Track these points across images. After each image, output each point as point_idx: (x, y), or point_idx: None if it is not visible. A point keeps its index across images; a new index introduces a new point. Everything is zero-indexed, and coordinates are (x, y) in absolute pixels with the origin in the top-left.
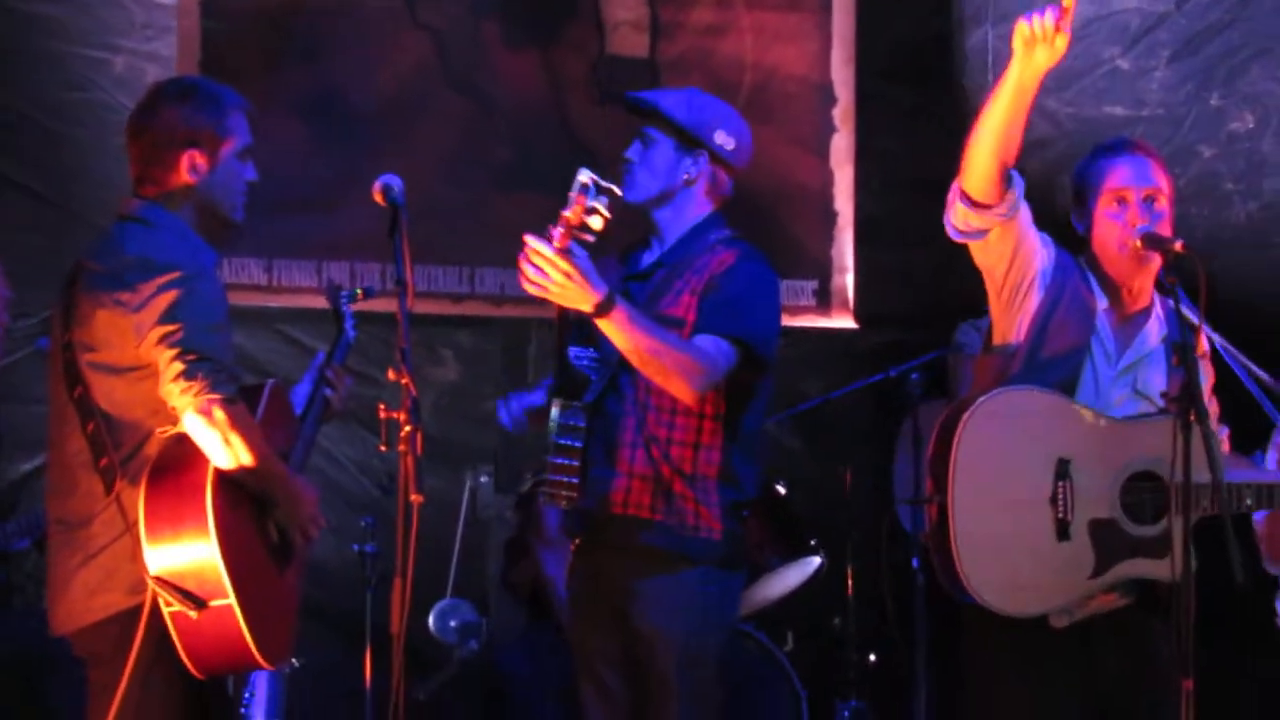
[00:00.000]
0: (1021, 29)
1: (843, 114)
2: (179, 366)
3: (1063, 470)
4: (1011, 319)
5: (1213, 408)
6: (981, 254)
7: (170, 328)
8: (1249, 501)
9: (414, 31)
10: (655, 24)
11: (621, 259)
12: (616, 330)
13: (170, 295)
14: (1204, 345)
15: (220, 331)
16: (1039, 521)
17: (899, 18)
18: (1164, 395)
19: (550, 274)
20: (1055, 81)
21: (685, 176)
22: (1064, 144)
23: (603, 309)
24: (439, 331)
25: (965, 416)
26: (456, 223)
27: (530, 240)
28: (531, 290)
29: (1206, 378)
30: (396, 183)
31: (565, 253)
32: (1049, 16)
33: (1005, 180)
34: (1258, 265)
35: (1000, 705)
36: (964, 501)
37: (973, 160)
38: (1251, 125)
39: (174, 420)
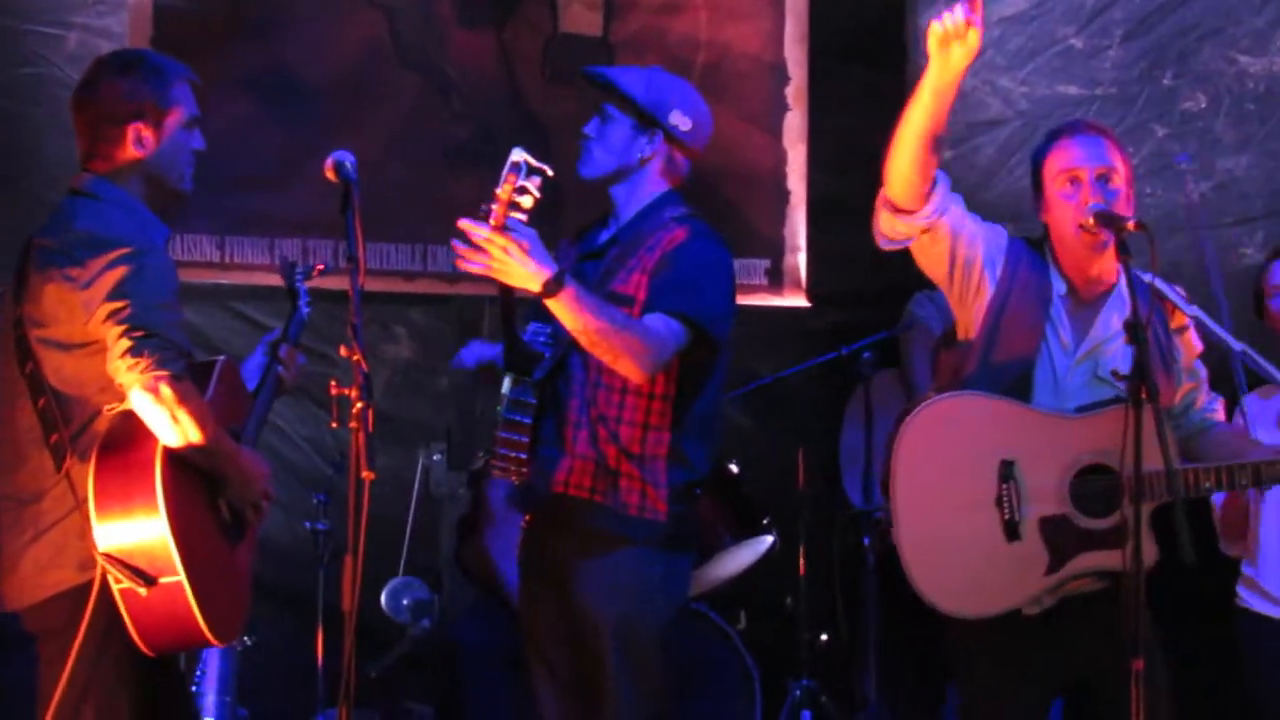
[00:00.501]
0: (935, 29)
1: (796, 93)
2: (126, 343)
3: (1006, 472)
4: (968, 313)
5: (1201, 376)
6: (920, 257)
7: (118, 304)
8: (1207, 485)
9: (367, 8)
10: (609, 2)
11: (576, 239)
12: (564, 310)
13: (119, 271)
14: (1183, 318)
15: (169, 308)
16: (987, 524)
17: None
18: (1114, 373)
19: (491, 251)
20: (1009, 61)
21: (640, 155)
22: (1018, 123)
23: (551, 289)
24: (392, 309)
25: (904, 425)
26: (410, 200)
27: (463, 223)
28: (471, 269)
29: (1189, 349)
30: (349, 159)
31: (503, 229)
32: (959, 12)
33: (929, 183)
34: (1210, 245)
35: (977, 692)
36: (909, 508)
37: (895, 167)
38: (1204, 105)
39: (123, 397)
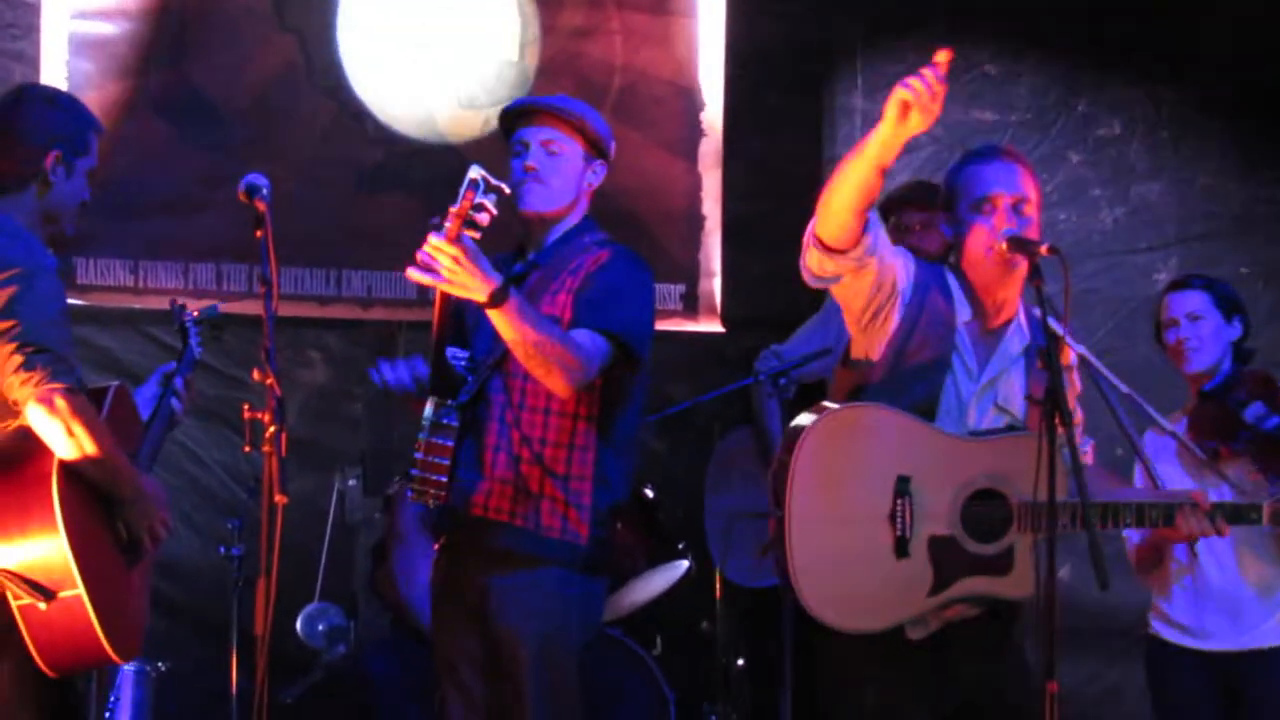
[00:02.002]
0: (902, 94)
1: (711, 118)
2: (18, 359)
3: (902, 487)
4: (870, 339)
5: (1077, 417)
6: (840, 291)
7: (8, 323)
8: (1096, 520)
9: (280, 34)
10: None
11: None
12: (506, 321)
13: (6, 292)
14: (1070, 357)
15: (59, 326)
16: (878, 538)
17: (767, 22)
18: (1028, 399)
19: (441, 260)
20: None
21: (589, 184)
22: (933, 148)
23: (497, 299)
24: (306, 333)
25: (805, 432)
26: (323, 225)
27: (431, 234)
28: (424, 279)
29: (1071, 388)
30: (262, 181)
31: (456, 242)
32: (932, 77)
33: (863, 225)
34: (1125, 269)
35: (848, 698)
36: (801, 517)
37: (830, 210)
38: (1118, 131)
39: (15, 415)
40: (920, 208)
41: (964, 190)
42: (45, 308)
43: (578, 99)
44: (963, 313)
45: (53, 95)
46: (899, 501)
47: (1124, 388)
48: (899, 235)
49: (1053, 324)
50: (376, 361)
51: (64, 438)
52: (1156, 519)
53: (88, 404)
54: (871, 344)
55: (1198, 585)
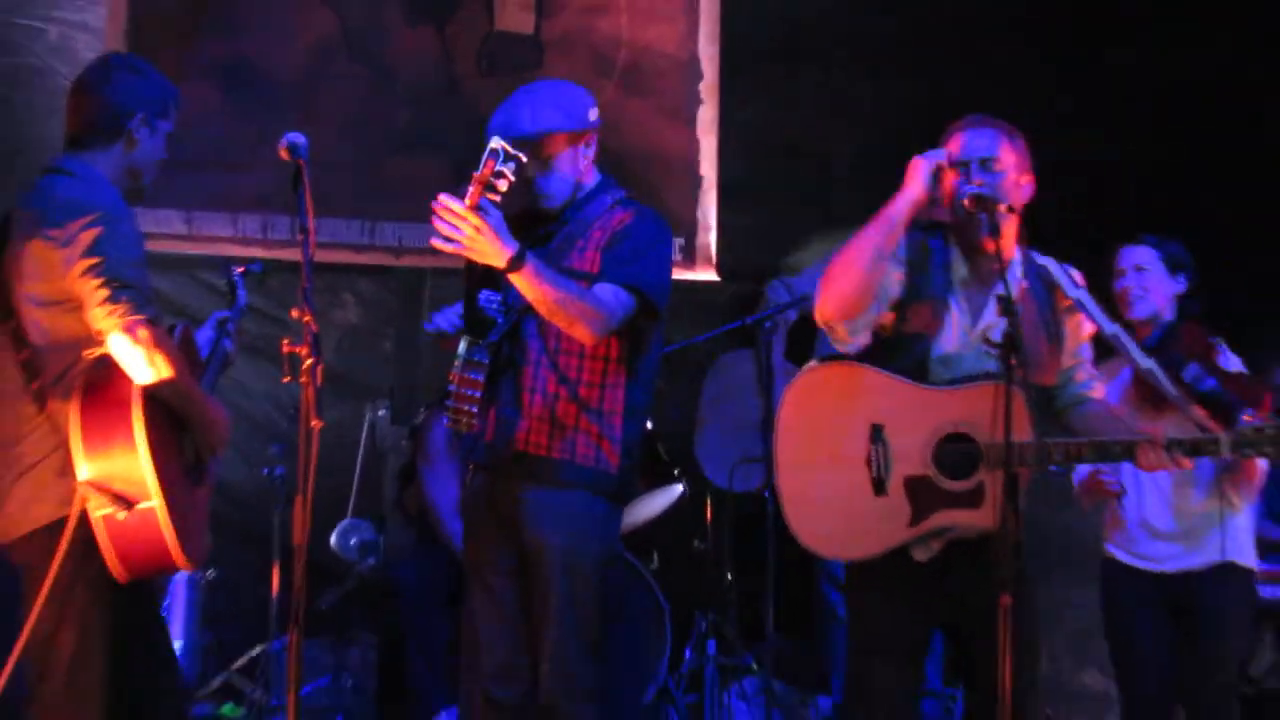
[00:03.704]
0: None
1: (708, 88)
2: (104, 293)
3: (876, 434)
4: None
5: (1085, 357)
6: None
7: (95, 260)
8: (1058, 456)
9: (321, 7)
10: (540, 3)
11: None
12: (525, 283)
13: (94, 232)
14: (1067, 300)
15: (140, 266)
16: (858, 479)
17: (758, 2)
18: (986, 341)
19: (462, 229)
20: None
21: (584, 163)
22: None
23: (514, 265)
24: (342, 278)
25: (787, 389)
26: (358, 181)
27: (443, 198)
28: (445, 247)
29: (1074, 332)
30: (301, 140)
31: (477, 209)
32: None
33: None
34: None
35: (863, 619)
36: (788, 462)
37: (849, 287)
38: None
39: (99, 344)
40: None
41: (948, 156)
42: (128, 249)
43: (545, 91)
44: (959, 270)
45: (137, 64)
46: (873, 447)
47: (1110, 327)
48: None
49: (1051, 267)
50: (430, 316)
51: (145, 365)
52: (1119, 454)
53: (166, 335)
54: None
55: (1146, 518)
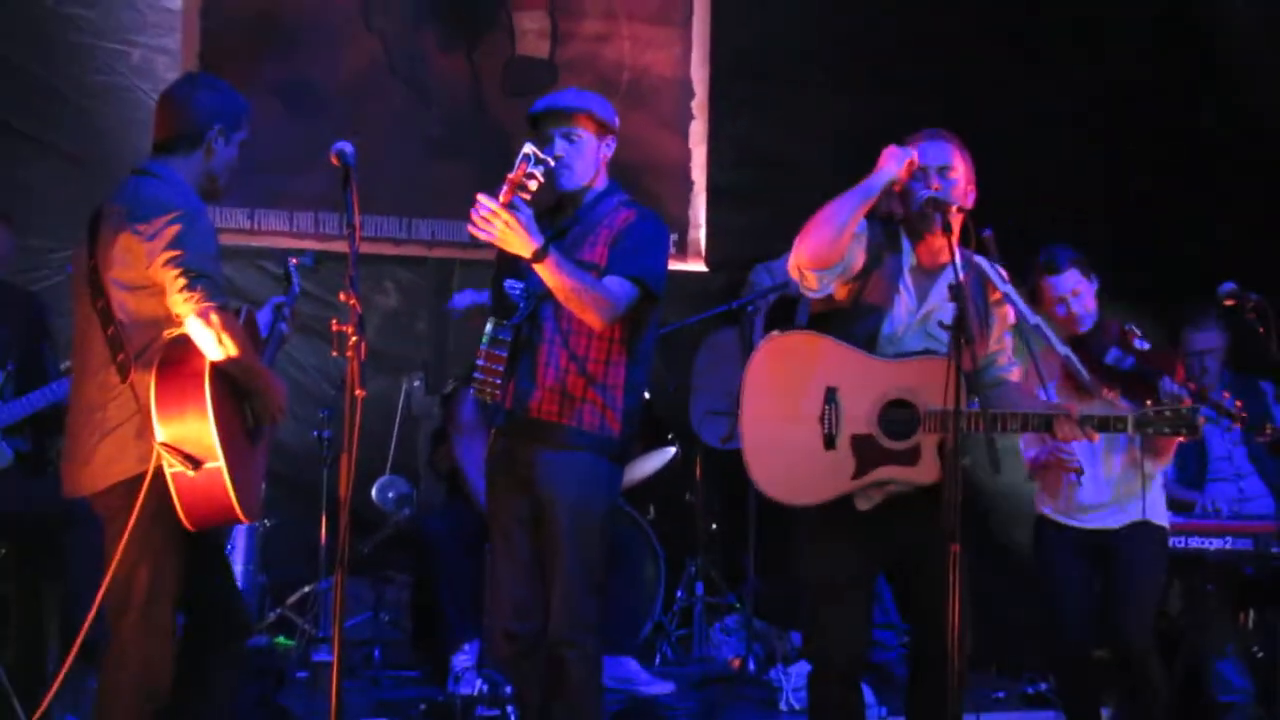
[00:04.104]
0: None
1: (699, 105)
2: (183, 281)
3: (830, 396)
4: (839, 285)
5: (1005, 343)
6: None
7: (175, 252)
8: (989, 425)
9: (367, 34)
10: (555, 32)
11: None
12: (548, 273)
13: (176, 228)
14: (998, 293)
15: (214, 259)
16: (811, 435)
17: (743, 28)
18: (940, 325)
19: (494, 224)
20: None
21: (604, 155)
22: None
23: (539, 256)
24: (383, 268)
25: (755, 351)
26: (398, 183)
27: (481, 197)
28: (482, 237)
29: (1001, 321)
30: (348, 148)
31: (509, 207)
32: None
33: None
34: None
35: (814, 561)
36: (752, 416)
37: (826, 240)
38: None
39: (176, 325)
40: None
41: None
42: (205, 243)
43: (586, 91)
44: (908, 260)
45: (216, 83)
46: (826, 407)
47: (1033, 318)
48: None
49: (983, 264)
50: (451, 298)
51: (215, 344)
52: (1038, 425)
53: (234, 319)
54: (838, 290)
55: (1078, 486)
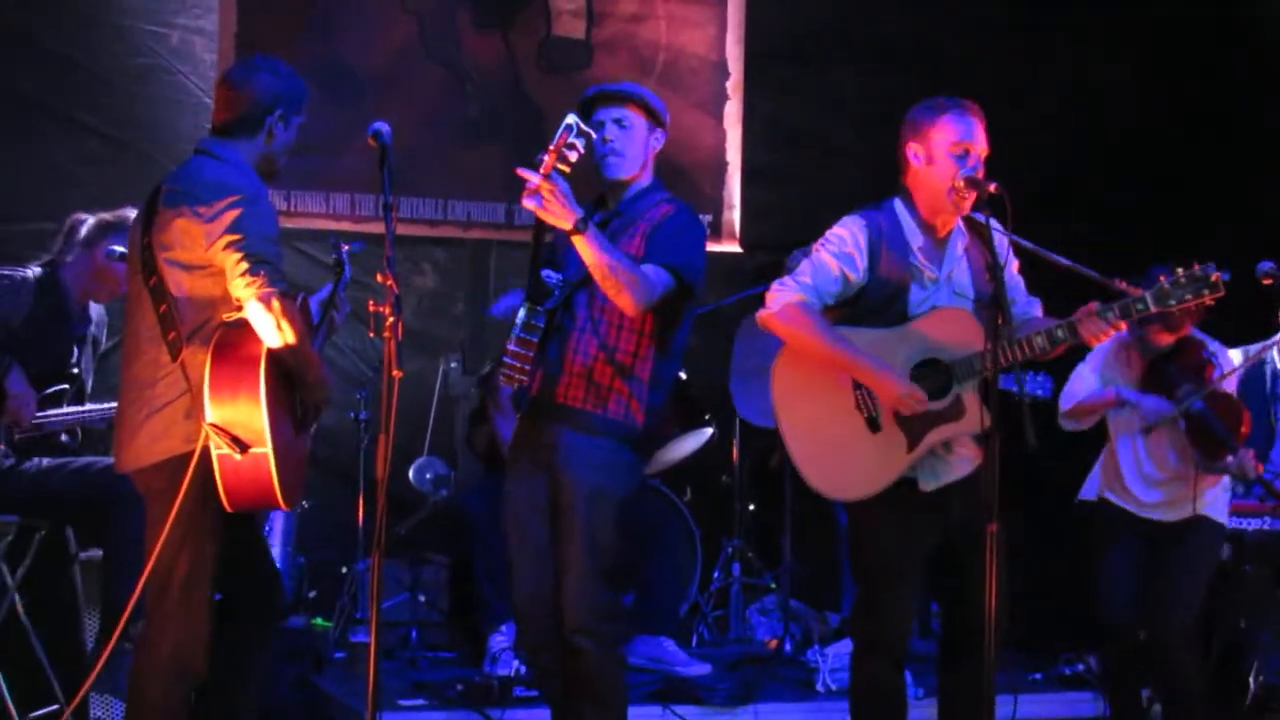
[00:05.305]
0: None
1: (734, 86)
2: (244, 265)
3: (857, 383)
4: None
5: (1022, 287)
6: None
7: (236, 236)
8: (1015, 352)
9: (403, 16)
10: (590, 12)
11: None
12: (585, 246)
13: (237, 211)
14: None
15: (275, 243)
16: (854, 425)
17: (779, 8)
18: (976, 302)
19: (541, 193)
20: None
21: (653, 149)
22: None
23: (579, 228)
24: (419, 249)
25: (774, 369)
26: (434, 165)
27: (522, 171)
28: (529, 205)
29: (1012, 264)
30: (385, 129)
31: (549, 177)
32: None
33: None
34: None
35: (874, 547)
36: (792, 429)
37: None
38: None
39: (233, 309)
40: None
41: (941, 132)
42: (265, 226)
43: (636, 82)
44: (914, 239)
45: (277, 66)
46: (857, 393)
47: (1065, 261)
48: None
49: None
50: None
51: (274, 331)
52: (1064, 336)
53: (294, 306)
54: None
55: (1142, 474)
